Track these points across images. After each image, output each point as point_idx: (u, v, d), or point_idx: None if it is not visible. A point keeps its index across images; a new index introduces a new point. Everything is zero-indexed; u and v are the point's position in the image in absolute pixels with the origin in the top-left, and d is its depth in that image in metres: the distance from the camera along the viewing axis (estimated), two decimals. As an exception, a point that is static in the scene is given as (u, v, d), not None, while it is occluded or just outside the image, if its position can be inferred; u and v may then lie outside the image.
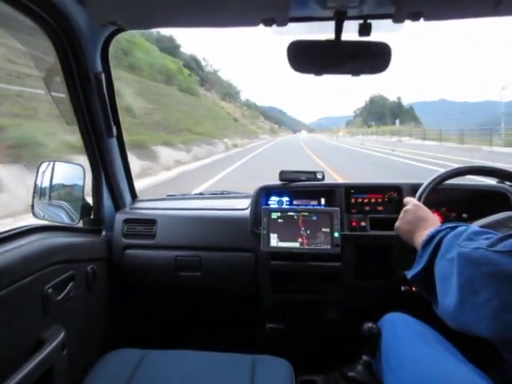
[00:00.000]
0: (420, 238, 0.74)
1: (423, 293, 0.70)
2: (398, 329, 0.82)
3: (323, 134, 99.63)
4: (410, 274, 0.72)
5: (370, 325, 0.88)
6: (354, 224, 1.15)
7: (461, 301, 0.56)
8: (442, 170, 1.00)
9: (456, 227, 0.67)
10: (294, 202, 1.23)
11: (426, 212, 0.82)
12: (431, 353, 0.70)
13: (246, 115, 59.01)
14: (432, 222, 0.78)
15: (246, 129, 42.93)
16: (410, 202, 0.87)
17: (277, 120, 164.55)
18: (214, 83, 58.46)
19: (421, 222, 0.79)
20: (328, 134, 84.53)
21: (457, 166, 1.02)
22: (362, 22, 0.82)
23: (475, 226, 0.68)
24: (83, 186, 1.14)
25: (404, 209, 0.86)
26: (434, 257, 0.66)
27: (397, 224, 0.86)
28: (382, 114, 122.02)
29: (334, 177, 7.62)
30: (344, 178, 6.89)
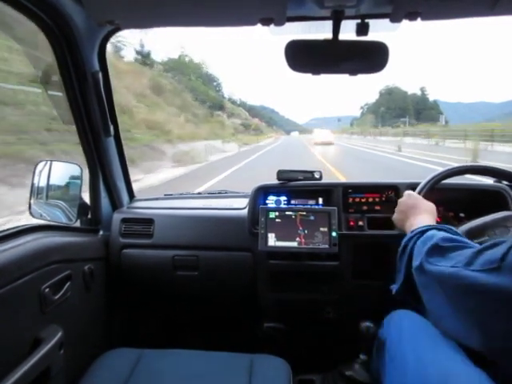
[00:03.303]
0: (410, 225, 0.74)
1: (413, 303, 0.70)
2: (404, 327, 0.81)
3: (343, 135, 54.92)
4: (394, 288, 0.72)
5: (367, 324, 0.88)
6: (351, 223, 1.15)
7: (447, 314, 0.56)
8: (440, 169, 1.01)
9: (425, 231, 0.66)
10: (292, 202, 1.23)
11: (418, 199, 0.83)
12: (434, 352, 0.69)
13: (178, 91, 25.79)
14: (423, 208, 0.79)
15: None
16: (405, 193, 0.90)
17: (267, 119, 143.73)
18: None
19: (411, 209, 0.80)
20: (347, 135, 51.19)
21: (454, 165, 1.02)
22: (359, 21, 0.82)
23: (441, 235, 0.64)
24: (80, 186, 1.13)
25: (398, 200, 0.89)
26: (410, 267, 0.65)
27: (393, 216, 0.89)
28: (404, 110, 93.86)
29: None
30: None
